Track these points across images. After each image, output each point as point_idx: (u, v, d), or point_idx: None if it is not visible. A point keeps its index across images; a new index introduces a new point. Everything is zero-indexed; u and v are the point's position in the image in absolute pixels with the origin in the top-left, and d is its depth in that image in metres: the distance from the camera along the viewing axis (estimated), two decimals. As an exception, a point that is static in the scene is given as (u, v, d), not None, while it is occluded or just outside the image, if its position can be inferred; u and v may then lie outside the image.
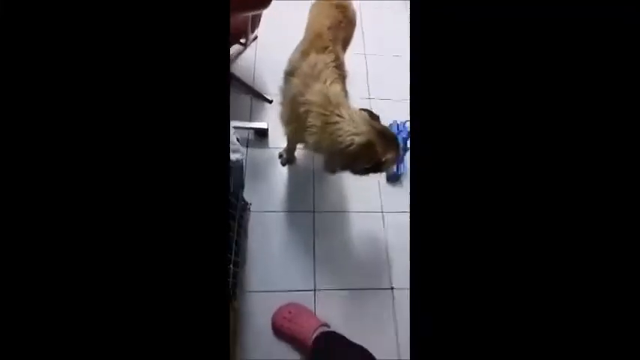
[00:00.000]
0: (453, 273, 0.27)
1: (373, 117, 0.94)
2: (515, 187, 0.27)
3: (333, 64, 1.02)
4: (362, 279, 1.20)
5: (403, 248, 1.28)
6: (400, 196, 1.35)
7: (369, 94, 1.58)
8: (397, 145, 0.92)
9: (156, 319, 0.29)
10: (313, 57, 1.00)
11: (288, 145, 1.32)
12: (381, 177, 1.37)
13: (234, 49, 1.58)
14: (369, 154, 0.88)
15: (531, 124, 0.28)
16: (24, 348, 0.25)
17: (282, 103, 1.10)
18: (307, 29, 1.12)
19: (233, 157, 0.84)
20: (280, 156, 1.37)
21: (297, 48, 1.11)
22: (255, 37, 1.61)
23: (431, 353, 0.26)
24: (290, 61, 1.09)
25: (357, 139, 0.87)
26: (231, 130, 0.90)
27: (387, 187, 1.38)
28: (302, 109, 0.95)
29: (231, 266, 0.90)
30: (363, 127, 0.88)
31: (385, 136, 0.90)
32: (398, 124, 1.45)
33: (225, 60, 0.36)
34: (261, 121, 1.43)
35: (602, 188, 0.26)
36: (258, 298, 1.13)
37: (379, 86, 1.62)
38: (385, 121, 1.50)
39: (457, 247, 0.27)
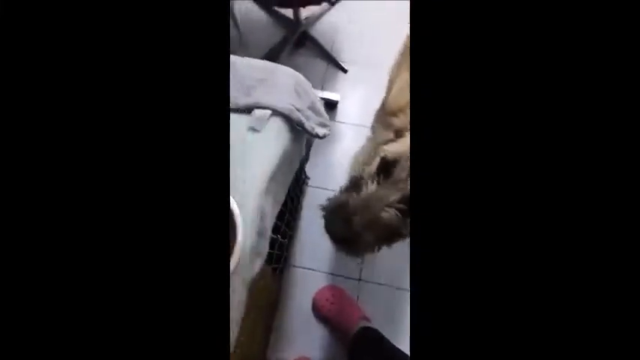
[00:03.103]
0: (453, 271, 0.28)
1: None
2: (516, 186, 0.27)
3: None
4: (407, 279, 1.16)
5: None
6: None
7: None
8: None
9: (151, 308, 0.28)
10: None
11: None
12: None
13: (320, 7, 1.47)
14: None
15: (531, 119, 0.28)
16: (23, 347, 0.26)
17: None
18: None
19: (321, 131, 0.77)
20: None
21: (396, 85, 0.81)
22: (343, -2, 1.49)
23: (431, 353, 0.27)
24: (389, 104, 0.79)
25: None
26: (319, 99, 0.83)
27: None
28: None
29: (279, 236, 0.86)
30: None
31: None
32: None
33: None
34: (334, 91, 1.35)
35: (603, 187, 0.26)
36: (302, 274, 1.11)
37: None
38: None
39: (457, 245, 0.28)
